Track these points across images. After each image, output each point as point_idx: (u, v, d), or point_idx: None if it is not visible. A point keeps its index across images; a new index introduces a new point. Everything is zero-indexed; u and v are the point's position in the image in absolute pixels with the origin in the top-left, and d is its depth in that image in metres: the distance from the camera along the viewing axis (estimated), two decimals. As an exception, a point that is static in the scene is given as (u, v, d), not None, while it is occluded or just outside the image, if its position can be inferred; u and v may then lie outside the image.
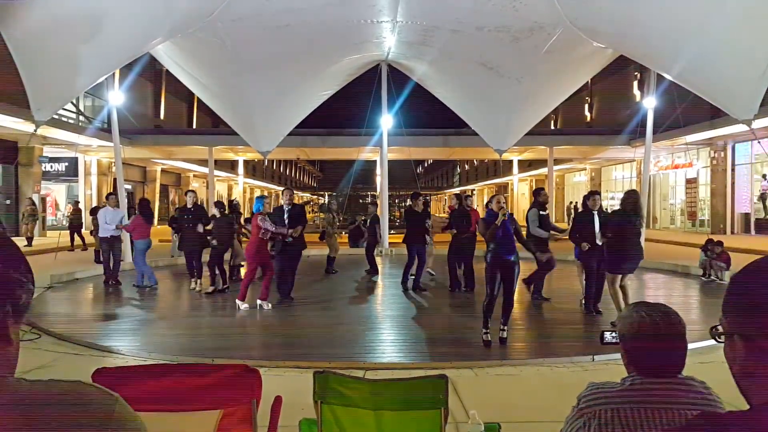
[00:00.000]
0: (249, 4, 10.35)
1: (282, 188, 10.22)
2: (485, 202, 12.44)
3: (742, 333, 0.91)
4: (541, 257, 8.62)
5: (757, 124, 10.99)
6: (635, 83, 27.82)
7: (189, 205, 10.60)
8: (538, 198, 9.44)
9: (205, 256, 10.52)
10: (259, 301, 8.65)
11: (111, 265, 10.99)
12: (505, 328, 6.65)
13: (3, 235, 0.91)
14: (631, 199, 7.76)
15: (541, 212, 9.24)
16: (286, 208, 9.13)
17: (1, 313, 0.84)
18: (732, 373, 0.95)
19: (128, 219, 11.42)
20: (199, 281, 10.37)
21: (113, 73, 14.18)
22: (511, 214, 6.86)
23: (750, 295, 0.91)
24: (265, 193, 54.68)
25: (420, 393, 2.74)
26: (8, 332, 0.85)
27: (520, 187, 45.40)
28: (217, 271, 10.20)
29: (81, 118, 25.11)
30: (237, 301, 8.66)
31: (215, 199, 12.60)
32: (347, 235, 17.08)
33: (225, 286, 10.27)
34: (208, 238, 10.46)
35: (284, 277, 9.20)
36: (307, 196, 71.02)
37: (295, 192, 9.69)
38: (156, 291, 10.43)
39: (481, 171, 55.97)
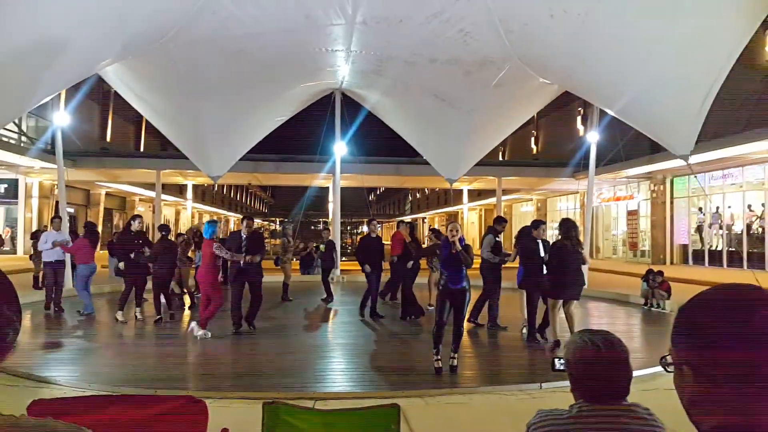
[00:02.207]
0: (203, 28, 10.30)
1: (241, 216, 10.10)
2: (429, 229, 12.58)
3: (689, 363, 0.93)
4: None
5: (694, 159, 11.52)
6: (579, 118, 28.82)
7: (134, 230, 10.21)
8: (497, 226, 9.70)
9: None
10: (194, 327, 8.42)
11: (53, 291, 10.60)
12: (455, 355, 6.68)
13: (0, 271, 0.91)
14: (564, 227, 8.04)
15: (496, 239, 9.48)
16: (243, 234, 9.00)
17: None
18: (681, 400, 0.96)
19: (67, 239, 11.02)
20: (139, 309, 10.00)
21: (59, 93, 13.81)
22: (467, 244, 6.88)
23: (697, 327, 0.93)
24: (215, 218, 53.78)
25: (372, 423, 2.73)
26: None
27: (470, 216, 46.09)
28: (162, 299, 9.91)
29: (23, 138, 24.25)
30: (194, 328, 8.39)
31: (161, 224, 12.26)
32: (299, 261, 16.92)
33: (171, 312, 10.02)
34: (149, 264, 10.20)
35: (237, 305, 8.97)
36: (257, 222, 69.92)
37: (253, 220, 9.63)
38: (94, 319, 10.04)
39: (432, 199, 56.59)
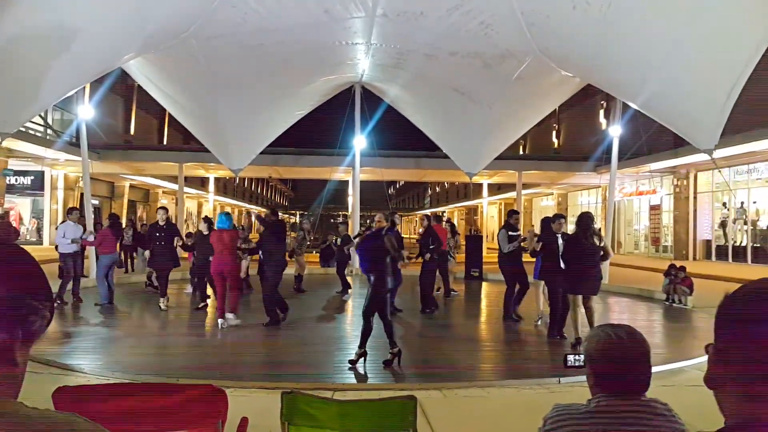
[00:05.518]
0: (224, 23, 10.36)
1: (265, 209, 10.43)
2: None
3: (727, 353, 0.92)
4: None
5: (718, 153, 11.33)
6: (601, 112, 28.43)
7: (161, 222, 10.49)
8: (510, 219, 9.71)
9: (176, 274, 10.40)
10: (229, 317, 8.61)
11: (71, 282, 10.81)
12: (392, 350, 6.57)
13: (28, 258, 0.90)
14: (580, 220, 7.92)
15: (510, 233, 9.45)
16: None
17: (9, 337, 0.83)
18: (714, 394, 0.96)
19: (94, 233, 11.27)
20: (165, 299, 10.17)
21: (83, 87, 14.00)
22: (379, 232, 6.86)
23: (735, 317, 0.93)
24: (228, 210, 54.32)
25: (389, 414, 2.74)
26: (14, 356, 0.84)
27: (489, 210, 45.83)
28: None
29: (49, 131, 24.65)
30: (229, 318, 8.61)
31: (184, 217, 12.52)
32: (318, 254, 17.03)
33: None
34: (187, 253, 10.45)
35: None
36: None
37: (266, 210, 9.85)
38: (112, 309, 10.22)
39: (452, 193, 56.36)
